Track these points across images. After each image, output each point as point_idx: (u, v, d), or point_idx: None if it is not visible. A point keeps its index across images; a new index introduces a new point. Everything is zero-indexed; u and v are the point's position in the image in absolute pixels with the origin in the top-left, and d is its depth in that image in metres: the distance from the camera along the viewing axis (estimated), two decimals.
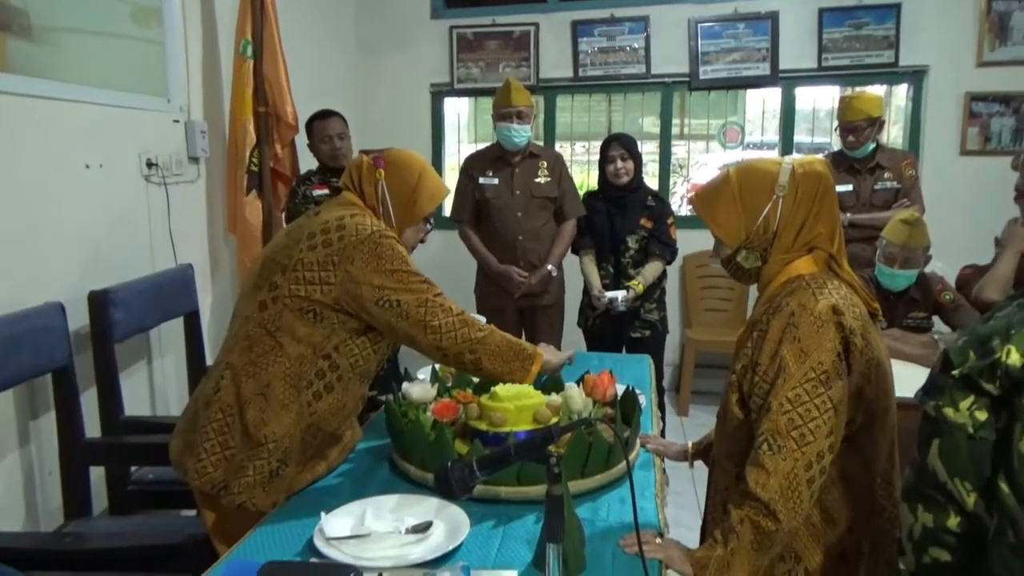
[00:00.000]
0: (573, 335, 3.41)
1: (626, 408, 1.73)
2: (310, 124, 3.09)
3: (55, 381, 2.00)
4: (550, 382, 1.85)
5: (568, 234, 3.21)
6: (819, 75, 4.23)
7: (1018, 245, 2.55)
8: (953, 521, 0.91)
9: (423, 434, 1.58)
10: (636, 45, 4.33)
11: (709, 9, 4.25)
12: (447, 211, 3.30)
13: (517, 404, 1.58)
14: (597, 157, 3.31)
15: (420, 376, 1.98)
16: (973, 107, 4.06)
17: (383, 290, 1.47)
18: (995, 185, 3.92)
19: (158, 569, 1.69)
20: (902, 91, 4.35)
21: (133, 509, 2.20)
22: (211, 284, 3.04)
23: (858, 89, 3.87)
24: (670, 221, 3.21)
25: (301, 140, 3.20)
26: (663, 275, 3.25)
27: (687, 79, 4.33)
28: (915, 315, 2.63)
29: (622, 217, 3.16)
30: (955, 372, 0.89)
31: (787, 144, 4.40)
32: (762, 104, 4.59)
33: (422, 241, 1.73)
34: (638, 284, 3.10)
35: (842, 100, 3.33)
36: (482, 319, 1.62)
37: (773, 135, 4.59)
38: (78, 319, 2.14)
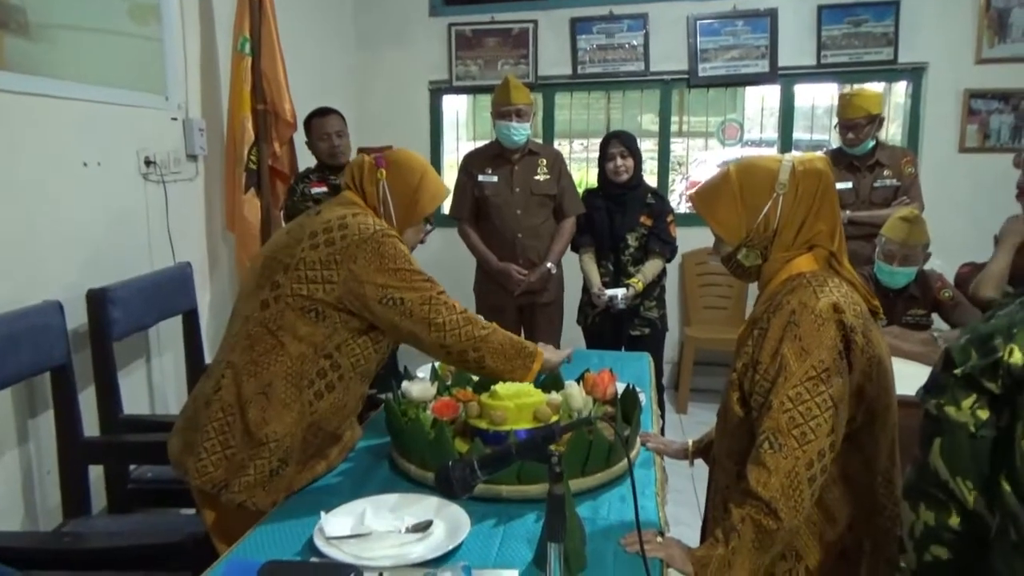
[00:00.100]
0: (572, 333, 3.41)
1: (626, 406, 1.73)
2: (308, 122, 3.08)
3: (53, 380, 1.99)
4: (550, 380, 1.85)
5: (567, 232, 3.21)
6: (818, 72, 4.22)
7: (1012, 241, 2.56)
8: (955, 519, 0.91)
9: (423, 433, 1.58)
10: (635, 42, 4.33)
11: (708, 6, 4.24)
12: (446, 209, 3.29)
13: (517, 402, 1.58)
14: (596, 155, 3.31)
15: (420, 374, 1.98)
16: (972, 104, 4.06)
17: (386, 288, 1.47)
18: (994, 182, 3.92)
19: (157, 568, 1.68)
20: (901, 88, 4.35)
21: (132, 508, 2.20)
22: (209, 282, 3.04)
23: (858, 86, 3.88)
24: (670, 219, 3.20)
25: (300, 138, 3.20)
26: (663, 273, 3.25)
27: (686, 76, 4.33)
28: (914, 312, 2.63)
29: (622, 215, 3.16)
30: (957, 371, 0.89)
31: (786, 141, 4.40)
32: (761, 101, 4.59)
33: (422, 241, 1.73)
34: (638, 282, 3.10)
35: (842, 97, 3.32)
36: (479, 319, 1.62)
37: (772, 132, 4.59)
38: (76, 317, 2.13)
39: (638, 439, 1.73)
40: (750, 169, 1.34)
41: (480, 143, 3.76)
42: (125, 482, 2.21)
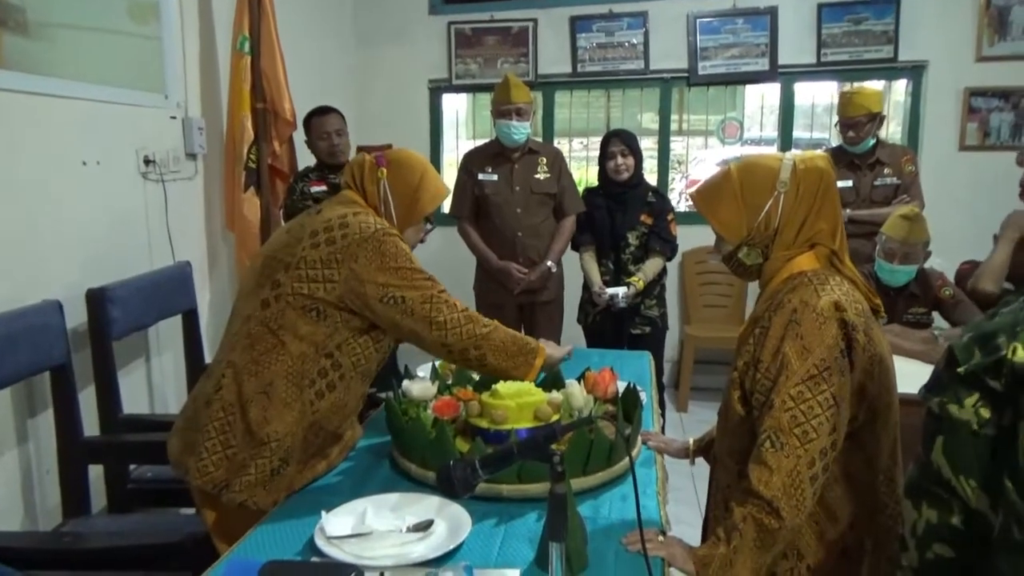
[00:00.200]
0: (573, 332, 3.40)
1: (627, 405, 1.72)
2: (308, 121, 3.08)
3: (53, 379, 1.99)
4: (551, 379, 1.84)
5: (568, 230, 3.20)
6: (818, 70, 4.22)
7: (1012, 234, 2.56)
8: (957, 517, 0.91)
9: (424, 432, 1.57)
10: (635, 41, 4.32)
11: (708, 4, 4.24)
12: (446, 207, 3.29)
13: (518, 401, 1.57)
14: (595, 153, 3.30)
15: (420, 373, 1.97)
16: (972, 102, 4.06)
17: (387, 287, 1.47)
18: (994, 180, 3.92)
19: (158, 568, 1.68)
20: (901, 86, 4.35)
21: (132, 507, 2.19)
22: (209, 281, 3.03)
23: (858, 84, 3.87)
24: (670, 217, 3.20)
25: (299, 136, 3.19)
26: (663, 271, 3.25)
27: (686, 75, 4.32)
28: (915, 311, 2.63)
29: (622, 213, 3.16)
30: (960, 369, 0.89)
31: (786, 140, 4.40)
32: (761, 100, 4.58)
33: (422, 241, 1.73)
34: (639, 280, 3.10)
35: (842, 96, 3.32)
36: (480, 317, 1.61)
37: (772, 131, 4.58)
38: (76, 317, 2.13)
39: (639, 438, 1.72)
40: (751, 168, 1.33)
41: (480, 142, 3.75)
42: (125, 482, 2.20)
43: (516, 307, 3.22)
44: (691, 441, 1.71)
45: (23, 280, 2.02)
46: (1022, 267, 2.56)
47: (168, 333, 2.70)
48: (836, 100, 3.72)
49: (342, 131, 3.06)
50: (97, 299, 2.14)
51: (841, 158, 3.23)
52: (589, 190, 3.33)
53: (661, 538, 1.31)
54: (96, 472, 2.16)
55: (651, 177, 4.39)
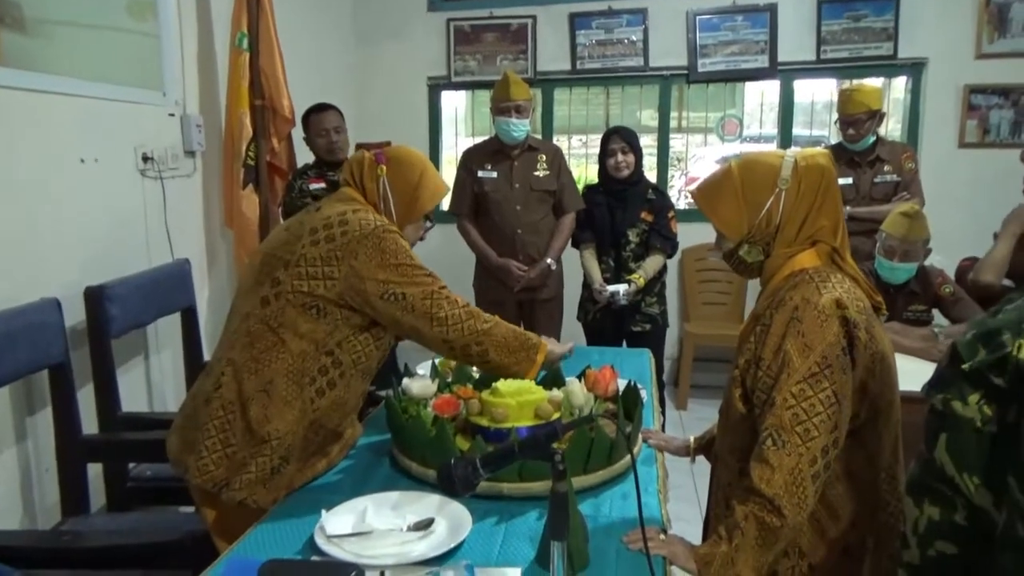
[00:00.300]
0: (573, 329, 3.40)
1: (628, 403, 1.72)
2: (306, 118, 3.07)
3: (52, 377, 1.98)
4: (551, 377, 1.84)
5: (567, 228, 3.20)
6: (818, 68, 4.22)
7: (1014, 229, 2.56)
8: (960, 514, 0.91)
9: (424, 430, 1.57)
10: (634, 38, 4.31)
11: (707, 1, 4.23)
12: (445, 205, 3.28)
13: (519, 400, 1.57)
14: (595, 151, 3.30)
15: (420, 371, 1.97)
16: (972, 99, 4.05)
17: (388, 284, 1.46)
18: (994, 178, 3.92)
19: (157, 566, 1.67)
20: (901, 83, 4.34)
21: (131, 506, 2.19)
22: (208, 279, 3.03)
23: (857, 82, 3.86)
24: (671, 215, 3.20)
25: (298, 134, 3.18)
26: (663, 269, 3.24)
27: (685, 72, 4.32)
28: (915, 308, 2.63)
29: (623, 211, 3.15)
30: (965, 366, 0.88)
31: (785, 137, 4.39)
32: (761, 97, 4.59)
33: (421, 238, 1.72)
34: (639, 278, 3.10)
35: (842, 93, 3.31)
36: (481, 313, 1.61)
37: (771, 128, 4.58)
38: (74, 315, 2.12)
39: (640, 436, 1.72)
40: (752, 165, 1.33)
41: (479, 139, 3.75)
42: (124, 480, 2.20)
43: (516, 305, 3.22)
44: (692, 439, 1.71)
45: (21, 278, 2.01)
46: (1022, 265, 2.56)
47: (167, 331, 2.70)
48: (836, 97, 3.71)
49: (341, 128, 3.06)
50: (96, 297, 2.14)
51: (841, 155, 3.22)
52: (589, 187, 3.33)
53: (662, 536, 1.31)
54: (95, 470, 2.16)
55: (650, 174, 4.38)
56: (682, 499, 2.85)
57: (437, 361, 1.99)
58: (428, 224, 1.71)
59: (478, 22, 4.44)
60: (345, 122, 3.10)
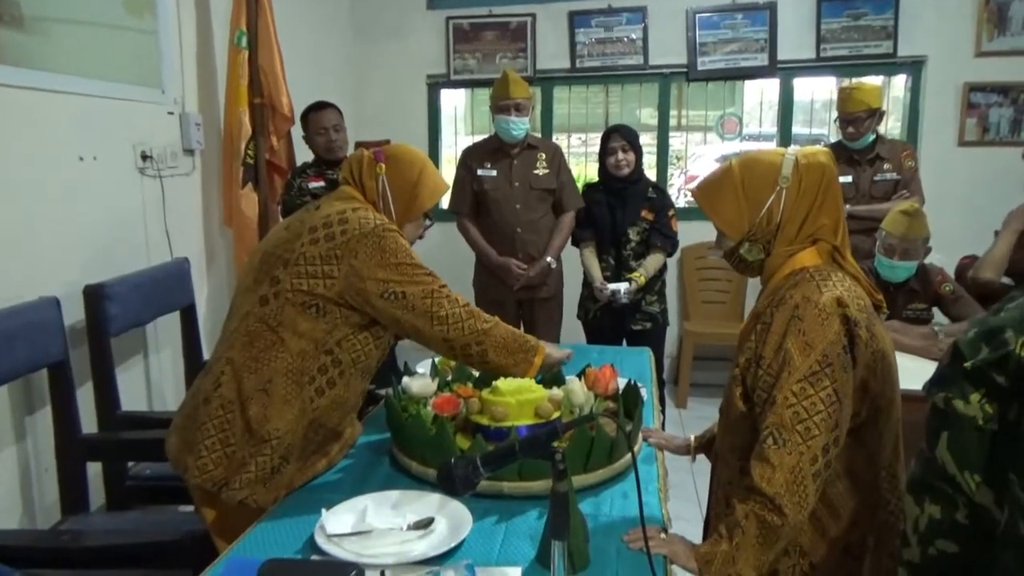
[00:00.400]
0: (572, 328, 3.40)
1: (628, 402, 1.72)
2: (305, 116, 3.06)
3: (51, 376, 1.98)
4: (551, 376, 1.84)
5: (567, 226, 3.20)
6: (817, 66, 4.22)
7: (1016, 226, 2.55)
8: (962, 513, 0.91)
9: (424, 429, 1.57)
10: (634, 36, 4.31)
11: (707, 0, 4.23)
12: (445, 203, 3.28)
13: (519, 398, 1.57)
14: (594, 149, 3.29)
15: (420, 370, 1.97)
16: (971, 98, 4.05)
17: (388, 283, 1.46)
18: (993, 176, 3.93)
19: (157, 566, 1.67)
20: (900, 82, 4.34)
21: (130, 505, 2.18)
22: (207, 278, 3.02)
23: (857, 80, 3.86)
24: (671, 213, 3.20)
25: (297, 132, 3.18)
26: (663, 267, 3.24)
27: (685, 70, 4.31)
28: (915, 306, 2.63)
29: (623, 209, 3.15)
30: (967, 364, 0.88)
31: (785, 135, 4.39)
32: (760, 95, 4.59)
33: (420, 237, 1.72)
34: (640, 276, 3.09)
35: (842, 91, 3.31)
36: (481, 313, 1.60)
37: (771, 126, 4.59)
38: (73, 314, 2.12)
39: (640, 435, 1.72)
40: (752, 163, 1.33)
41: (478, 137, 3.74)
42: (123, 479, 2.20)
43: (515, 303, 3.21)
44: (692, 438, 1.70)
45: (20, 277, 2.00)
46: (1022, 263, 2.56)
47: (166, 329, 2.69)
48: (835, 96, 3.71)
49: (340, 126, 3.05)
50: (95, 296, 2.13)
51: (840, 154, 3.22)
52: (589, 186, 3.32)
53: (663, 535, 1.31)
54: (94, 469, 2.16)
55: (650, 173, 4.38)
56: (682, 498, 2.84)
57: (437, 360, 1.99)
58: (427, 222, 1.71)
59: (477, 20, 4.43)
60: (344, 120, 3.10)
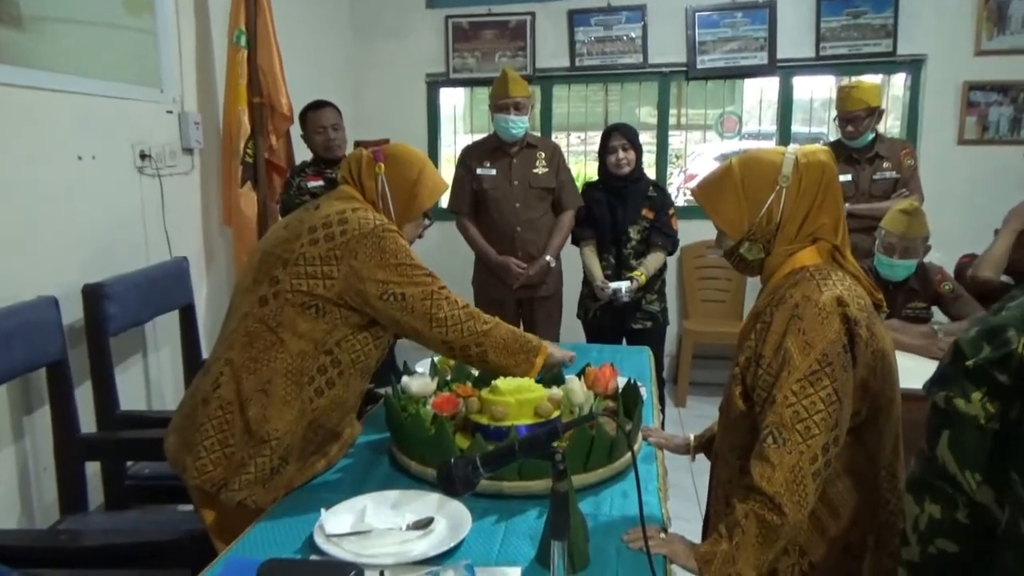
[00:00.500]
0: (572, 327, 3.40)
1: (628, 401, 1.72)
2: (304, 115, 3.06)
3: (49, 376, 1.98)
4: (551, 375, 1.84)
5: (566, 225, 3.19)
6: (817, 64, 4.21)
7: (1015, 225, 2.55)
8: (961, 512, 0.91)
9: (423, 429, 1.57)
10: (633, 34, 4.31)
11: None
12: (444, 202, 3.28)
13: (518, 398, 1.57)
14: (594, 148, 3.29)
15: (419, 369, 1.96)
16: (971, 96, 4.05)
17: (387, 284, 1.46)
18: (993, 175, 3.93)
19: (155, 566, 1.67)
20: (900, 80, 4.34)
21: (129, 504, 2.18)
22: (206, 277, 3.02)
23: (856, 79, 3.86)
24: (671, 212, 3.20)
25: (296, 131, 3.18)
26: (663, 266, 3.24)
27: (684, 69, 4.31)
28: (914, 305, 2.63)
29: (623, 208, 3.15)
30: (969, 363, 0.88)
31: (784, 134, 4.39)
32: (760, 94, 4.58)
33: (420, 236, 1.72)
34: (641, 274, 3.09)
35: (841, 90, 3.31)
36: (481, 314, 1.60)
37: (770, 125, 4.58)
38: (72, 313, 2.12)
39: (640, 434, 1.72)
40: (752, 162, 1.33)
41: (478, 136, 3.74)
42: (122, 478, 2.19)
43: (515, 302, 3.21)
44: (692, 437, 1.70)
45: (18, 276, 2.00)
46: (1022, 262, 2.56)
47: (165, 329, 2.69)
48: (835, 94, 3.71)
49: (338, 125, 3.05)
50: (93, 295, 2.13)
51: (840, 152, 3.21)
52: (589, 184, 3.32)
53: (663, 535, 1.31)
54: (93, 469, 2.15)
55: (649, 171, 4.38)
56: (682, 497, 2.84)
57: (436, 359, 1.99)
58: (427, 222, 1.70)
59: (477, 19, 4.43)
60: (343, 119, 3.09)
